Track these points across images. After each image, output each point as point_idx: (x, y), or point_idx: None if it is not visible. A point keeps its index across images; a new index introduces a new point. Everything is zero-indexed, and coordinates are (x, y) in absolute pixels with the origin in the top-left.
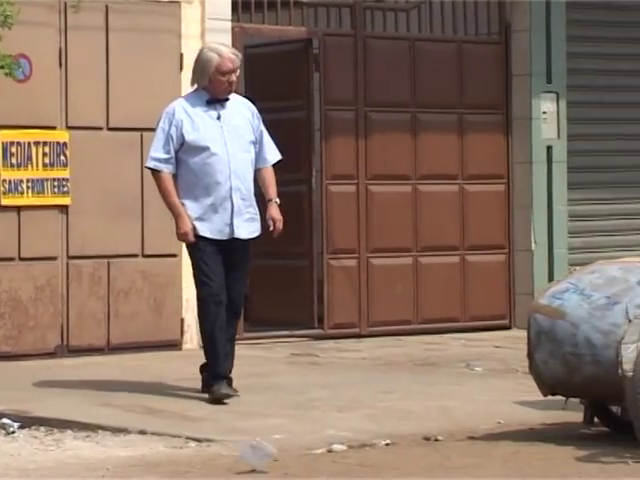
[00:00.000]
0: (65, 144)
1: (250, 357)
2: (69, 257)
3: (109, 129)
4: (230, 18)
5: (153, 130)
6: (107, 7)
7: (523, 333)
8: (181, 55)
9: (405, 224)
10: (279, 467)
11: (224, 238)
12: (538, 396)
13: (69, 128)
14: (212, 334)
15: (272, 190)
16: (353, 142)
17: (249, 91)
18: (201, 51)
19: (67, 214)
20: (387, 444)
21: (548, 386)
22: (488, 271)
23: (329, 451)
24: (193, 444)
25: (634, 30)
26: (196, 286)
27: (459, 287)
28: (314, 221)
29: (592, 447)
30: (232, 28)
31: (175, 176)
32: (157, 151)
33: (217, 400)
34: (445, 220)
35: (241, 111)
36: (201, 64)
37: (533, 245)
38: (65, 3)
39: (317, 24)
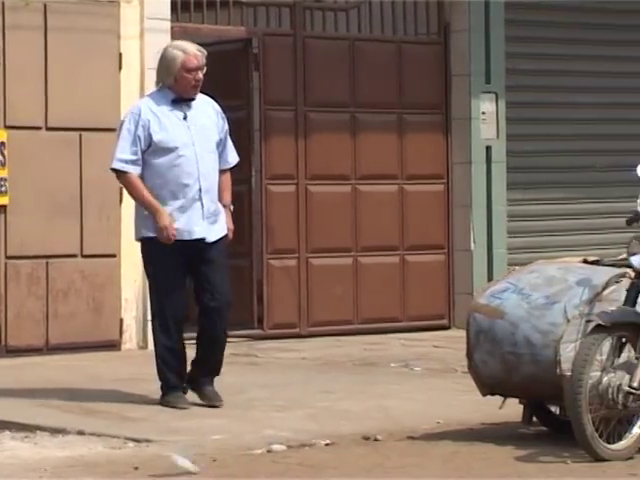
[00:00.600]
0: (3, 144)
1: (189, 357)
2: (7, 257)
3: (48, 129)
4: (169, 18)
5: (92, 130)
6: (45, 7)
7: (462, 333)
8: (120, 55)
9: (345, 224)
10: (218, 467)
11: (190, 238)
12: (477, 396)
13: (7, 128)
14: (162, 354)
15: (228, 195)
16: (292, 142)
17: None
18: (165, 50)
19: (5, 214)
20: (327, 444)
21: (487, 386)
22: (427, 271)
23: (268, 451)
24: (132, 444)
25: (572, 31)
26: (151, 297)
27: (399, 287)
28: (254, 221)
29: (531, 447)
30: (171, 28)
31: (141, 178)
32: (123, 152)
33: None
34: (385, 220)
35: (206, 111)
36: (166, 62)
37: (472, 245)
38: (3, 3)
39: (257, 24)
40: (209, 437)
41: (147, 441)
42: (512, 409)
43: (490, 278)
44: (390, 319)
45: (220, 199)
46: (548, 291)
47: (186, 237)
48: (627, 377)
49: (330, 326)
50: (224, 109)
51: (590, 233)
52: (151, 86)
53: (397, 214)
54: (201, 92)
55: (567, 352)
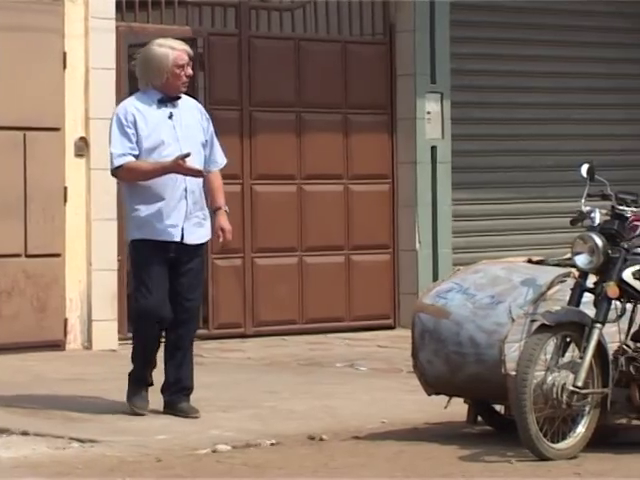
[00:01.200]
0: None
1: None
2: None
3: None
4: (114, 17)
5: (36, 130)
6: None
7: (407, 332)
8: (64, 54)
9: (290, 224)
10: (163, 467)
11: (172, 240)
12: (422, 395)
13: None
14: (143, 349)
15: (221, 197)
16: (238, 142)
17: (133, 90)
18: (150, 49)
19: None
20: (272, 444)
21: (432, 385)
22: (373, 271)
23: (213, 451)
24: (76, 444)
25: (517, 31)
26: (134, 298)
27: (344, 287)
28: None
29: (476, 446)
30: (116, 27)
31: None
32: (118, 148)
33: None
34: (330, 220)
35: (191, 111)
36: (156, 61)
37: (417, 245)
38: None
39: (202, 23)
40: (154, 437)
41: (91, 441)
42: (457, 409)
43: (435, 278)
44: (335, 319)
45: (213, 201)
46: (493, 291)
47: (168, 238)
48: (571, 376)
49: (275, 326)
50: None
51: (534, 233)
52: (96, 85)
53: (342, 214)
54: None
55: (512, 352)
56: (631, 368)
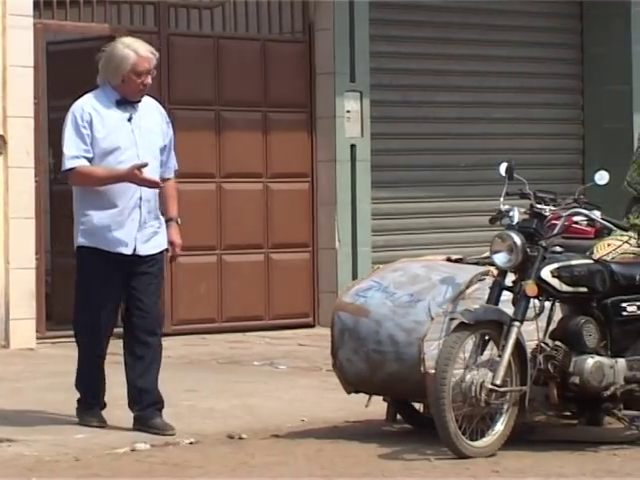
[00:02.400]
0: None
1: (54, 356)
2: None
3: None
4: (32, 14)
5: None
6: None
7: (327, 331)
8: None
9: (210, 222)
10: (81, 467)
11: (127, 253)
12: (342, 394)
13: None
14: (84, 370)
15: (174, 207)
16: None
17: (52, 88)
18: (115, 47)
19: None
20: (191, 443)
21: (352, 384)
22: (292, 269)
23: (132, 450)
24: None
25: (436, 30)
26: (76, 314)
27: (263, 285)
28: None
29: (395, 444)
30: (34, 25)
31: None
32: (72, 149)
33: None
34: (250, 218)
35: (152, 114)
36: (115, 61)
37: (337, 243)
38: None
39: (120, 21)
40: (72, 436)
41: (9, 440)
42: (376, 407)
43: (355, 276)
44: (255, 317)
45: (165, 211)
46: (412, 289)
47: (120, 250)
48: (490, 375)
49: (195, 324)
50: None
51: (454, 231)
52: (14, 83)
53: (262, 212)
54: (64, 88)
55: (431, 350)
56: (549, 366)
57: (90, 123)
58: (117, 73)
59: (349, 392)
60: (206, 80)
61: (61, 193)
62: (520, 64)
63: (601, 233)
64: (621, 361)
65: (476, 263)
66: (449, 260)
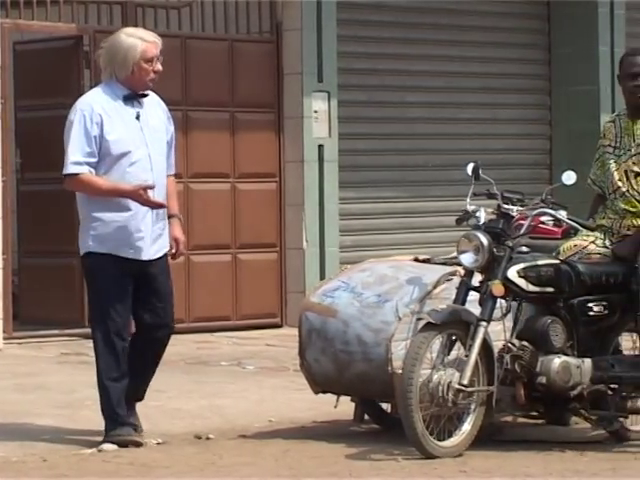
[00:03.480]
0: None
1: (19, 356)
2: None
3: None
4: None
5: None
6: None
7: (295, 331)
8: None
9: None
10: (48, 467)
11: (144, 258)
12: (310, 394)
13: None
14: (105, 382)
15: (175, 204)
16: None
17: (19, 88)
18: (118, 38)
19: None
20: (158, 443)
21: (319, 384)
22: (260, 270)
23: (99, 451)
24: None
25: (404, 30)
26: (94, 319)
27: (231, 286)
28: None
29: (363, 445)
30: (1, 24)
31: None
32: (77, 153)
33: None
34: (217, 219)
35: (156, 111)
36: (122, 52)
37: (305, 243)
38: None
39: (88, 21)
40: (39, 437)
41: None
42: (344, 407)
43: (322, 276)
44: (222, 317)
45: (167, 208)
46: (380, 289)
47: (135, 256)
48: (457, 375)
49: None
50: (55, 106)
51: (421, 231)
52: None
53: (229, 213)
54: (32, 88)
55: (398, 350)
56: (516, 366)
57: (100, 124)
58: (126, 64)
59: (317, 392)
60: (174, 80)
61: (28, 193)
62: (487, 64)
63: (568, 233)
64: (588, 361)
65: (443, 263)
66: (416, 260)
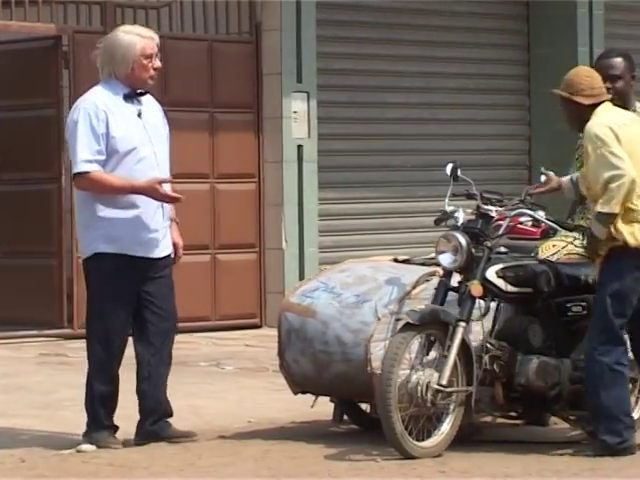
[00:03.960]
0: None
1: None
2: None
3: None
4: None
5: None
6: None
7: (274, 332)
8: None
9: None
10: (27, 468)
11: (155, 256)
12: (289, 395)
13: None
14: (94, 383)
15: (172, 206)
16: None
17: None
18: (116, 37)
19: None
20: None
21: (298, 384)
22: (239, 270)
23: (78, 451)
24: None
25: (383, 31)
26: (93, 317)
27: (210, 286)
28: (64, 220)
29: (342, 445)
30: None
31: None
32: (85, 151)
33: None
34: (196, 219)
35: (154, 109)
36: (122, 50)
37: (284, 244)
38: None
39: (66, 21)
40: (18, 438)
41: None
42: (323, 407)
43: (301, 277)
44: (202, 318)
45: None
46: (359, 290)
47: (148, 254)
48: (436, 375)
49: None
50: (33, 107)
51: (400, 232)
52: None
53: (209, 213)
54: (9, 89)
55: (377, 351)
56: (495, 366)
57: (106, 122)
58: (126, 61)
59: (296, 393)
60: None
61: (6, 194)
62: (467, 65)
63: (546, 234)
64: (566, 361)
65: (422, 264)
66: (395, 261)
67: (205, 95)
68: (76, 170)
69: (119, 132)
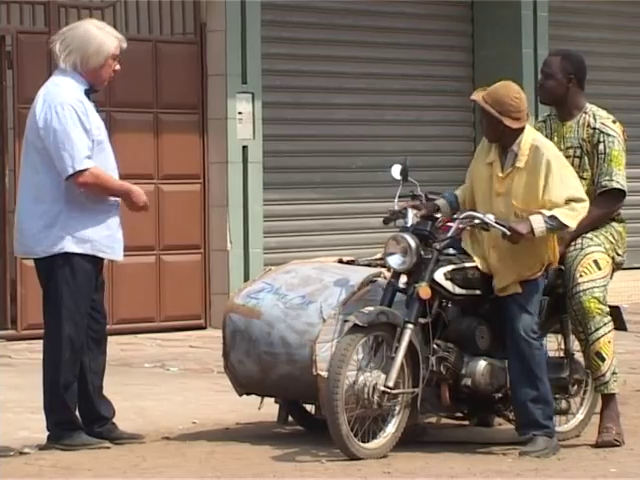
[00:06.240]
0: None
1: None
2: None
3: None
4: None
5: None
6: None
7: (219, 333)
8: None
9: None
10: None
11: (114, 258)
12: (234, 396)
13: None
14: (65, 385)
15: None
16: None
17: None
18: (89, 29)
19: None
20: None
21: (243, 386)
22: (184, 271)
23: (21, 453)
24: None
25: (328, 32)
26: (59, 318)
27: (154, 287)
28: (7, 221)
29: (287, 446)
30: None
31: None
32: (84, 147)
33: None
34: (141, 220)
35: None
36: (95, 45)
37: (229, 245)
38: None
39: (10, 21)
40: None
41: None
42: (268, 409)
43: (246, 278)
44: (146, 319)
45: None
46: (304, 291)
47: (108, 256)
48: (383, 377)
49: None
50: None
51: (345, 233)
52: None
53: (153, 214)
54: None
55: (323, 352)
56: (442, 368)
57: (86, 115)
58: (99, 56)
59: (241, 394)
60: None
61: None
62: (411, 66)
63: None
64: None
65: (368, 265)
66: (341, 262)
67: (150, 96)
68: (79, 167)
69: (94, 126)
